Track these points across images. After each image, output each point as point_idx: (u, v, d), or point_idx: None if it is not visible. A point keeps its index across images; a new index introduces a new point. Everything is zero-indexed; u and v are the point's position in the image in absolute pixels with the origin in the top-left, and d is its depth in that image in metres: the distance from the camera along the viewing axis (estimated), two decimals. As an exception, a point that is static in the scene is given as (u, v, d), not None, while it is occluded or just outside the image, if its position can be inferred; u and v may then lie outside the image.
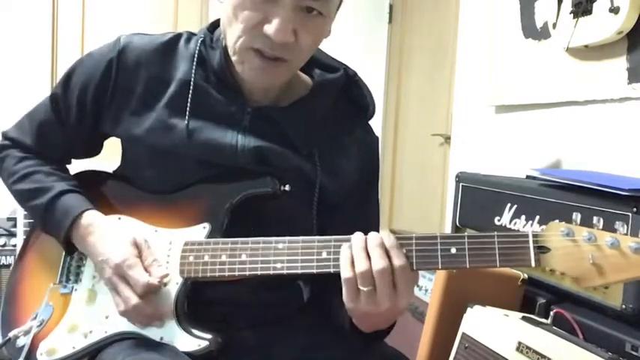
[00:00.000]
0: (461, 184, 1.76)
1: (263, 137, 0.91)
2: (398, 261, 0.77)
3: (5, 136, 1.03)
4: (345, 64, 1.01)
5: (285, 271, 0.82)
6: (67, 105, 0.97)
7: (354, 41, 3.10)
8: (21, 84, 2.78)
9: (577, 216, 0.65)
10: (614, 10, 1.51)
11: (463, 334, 1.25)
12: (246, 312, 0.93)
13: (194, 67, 0.92)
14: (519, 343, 1.11)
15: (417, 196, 3.07)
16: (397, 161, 3.22)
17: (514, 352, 1.11)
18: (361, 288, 0.76)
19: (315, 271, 0.80)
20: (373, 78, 3.27)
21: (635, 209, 1.15)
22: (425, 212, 2.96)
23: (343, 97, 0.99)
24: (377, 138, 1.05)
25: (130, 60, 0.93)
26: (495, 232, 0.76)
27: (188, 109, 0.91)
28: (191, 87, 0.91)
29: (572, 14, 1.67)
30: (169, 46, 0.95)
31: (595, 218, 0.63)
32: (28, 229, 1.98)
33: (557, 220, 0.77)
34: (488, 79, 2.20)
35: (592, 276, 0.72)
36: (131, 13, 3.10)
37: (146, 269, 0.86)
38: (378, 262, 0.76)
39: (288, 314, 0.97)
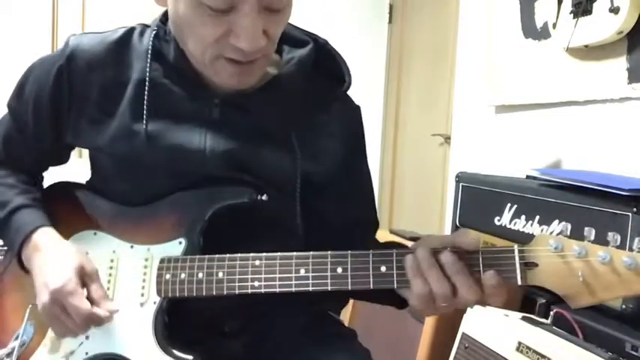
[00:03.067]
0: (461, 184, 1.76)
1: (234, 132, 0.85)
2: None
3: None
4: (314, 35, 0.93)
5: (262, 290, 0.79)
6: (24, 117, 0.92)
7: (354, 41, 3.10)
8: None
9: (566, 227, 0.62)
10: (614, 10, 1.51)
11: (463, 334, 1.25)
12: (231, 318, 0.90)
13: (149, 63, 0.86)
14: (519, 343, 1.11)
15: (417, 196, 3.07)
16: (397, 161, 3.22)
17: (514, 352, 1.11)
18: (437, 292, 0.72)
19: (293, 289, 0.78)
20: (373, 78, 3.28)
21: (635, 209, 1.15)
22: (425, 212, 2.96)
23: (316, 70, 0.92)
24: (358, 107, 0.98)
25: (80, 65, 0.87)
26: (480, 248, 0.72)
27: (145, 111, 0.84)
28: (146, 86, 0.85)
29: (572, 14, 1.67)
30: (122, 43, 0.89)
31: (586, 229, 0.60)
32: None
33: (553, 226, 0.73)
34: (488, 79, 2.20)
35: (582, 294, 0.68)
36: (131, 13, 3.10)
37: (92, 302, 0.81)
38: (450, 261, 0.72)
39: (274, 319, 0.94)
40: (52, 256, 0.84)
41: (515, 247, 0.71)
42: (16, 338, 0.89)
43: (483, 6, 2.28)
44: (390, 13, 3.34)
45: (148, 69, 0.85)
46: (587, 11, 1.61)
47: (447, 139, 2.70)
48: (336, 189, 0.93)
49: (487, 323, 1.20)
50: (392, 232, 1.85)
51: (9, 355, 0.88)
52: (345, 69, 0.94)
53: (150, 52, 0.86)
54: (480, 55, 2.29)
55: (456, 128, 2.51)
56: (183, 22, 0.78)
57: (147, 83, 0.85)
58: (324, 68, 0.93)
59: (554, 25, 1.77)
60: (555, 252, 0.69)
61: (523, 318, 1.19)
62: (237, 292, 0.80)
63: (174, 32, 0.83)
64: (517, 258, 0.70)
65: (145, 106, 0.84)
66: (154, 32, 0.88)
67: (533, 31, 1.96)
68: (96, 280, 0.83)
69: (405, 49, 3.21)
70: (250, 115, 0.86)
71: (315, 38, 0.92)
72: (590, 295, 0.67)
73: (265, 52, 0.81)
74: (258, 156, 0.86)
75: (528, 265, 0.70)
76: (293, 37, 0.92)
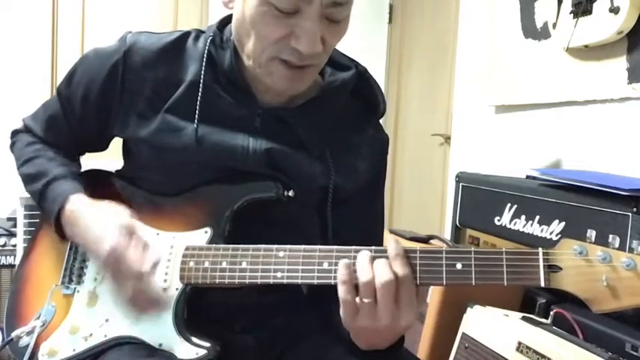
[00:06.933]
0: (461, 184, 1.76)
1: (274, 139, 0.89)
2: (402, 270, 0.74)
3: (23, 122, 1.04)
4: (355, 61, 0.99)
5: (285, 281, 0.81)
6: (71, 102, 0.96)
7: (354, 41, 3.09)
8: (21, 84, 2.79)
9: (592, 233, 0.62)
10: (614, 10, 1.51)
11: (463, 334, 1.25)
12: (246, 314, 0.92)
13: (203, 67, 0.89)
14: (519, 343, 1.11)
15: (417, 196, 3.07)
16: (397, 161, 3.22)
17: (514, 352, 1.11)
18: (363, 300, 0.74)
19: (315, 281, 0.79)
20: (373, 78, 3.27)
21: (635, 209, 1.15)
22: (425, 212, 2.96)
23: (354, 95, 0.97)
24: (387, 137, 1.04)
25: (136, 61, 0.90)
26: (504, 249, 0.73)
27: (197, 111, 0.89)
28: (200, 88, 0.89)
29: (572, 14, 1.67)
30: (177, 45, 0.92)
31: (610, 237, 0.60)
32: (28, 229, 1.98)
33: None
34: (488, 79, 2.20)
35: (606, 299, 0.68)
36: (131, 13, 3.10)
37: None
38: (383, 274, 0.73)
39: (288, 317, 0.96)
40: (94, 221, 0.86)
41: (540, 249, 0.71)
42: (38, 317, 0.91)
43: (483, 6, 2.28)
44: (390, 13, 3.35)
45: (202, 72, 0.89)
46: (587, 11, 1.61)
47: (447, 139, 2.70)
48: (353, 207, 0.97)
49: (487, 323, 1.21)
50: (392, 232, 1.84)
51: (30, 333, 0.91)
52: (381, 97, 1.00)
53: (205, 56, 0.90)
54: (480, 55, 2.29)
55: (456, 128, 2.51)
56: (247, 22, 0.81)
57: (200, 85, 0.89)
58: (361, 94, 0.98)
59: (554, 25, 1.77)
60: (579, 256, 0.70)
61: (523, 318, 1.19)
62: (259, 281, 0.81)
63: (235, 33, 0.87)
64: (541, 260, 0.71)
65: (197, 106, 0.88)
66: (210, 38, 0.91)
67: (533, 31, 1.96)
68: (136, 235, 0.83)
69: (405, 49, 3.21)
70: (289, 128, 0.91)
71: (356, 64, 0.98)
72: (615, 300, 0.68)
73: (318, 62, 0.85)
74: (295, 160, 0.90)
75: (552, 268, 0.71)
76: (337, 61, 0.97)
